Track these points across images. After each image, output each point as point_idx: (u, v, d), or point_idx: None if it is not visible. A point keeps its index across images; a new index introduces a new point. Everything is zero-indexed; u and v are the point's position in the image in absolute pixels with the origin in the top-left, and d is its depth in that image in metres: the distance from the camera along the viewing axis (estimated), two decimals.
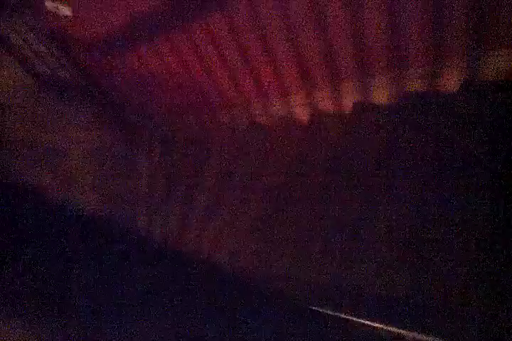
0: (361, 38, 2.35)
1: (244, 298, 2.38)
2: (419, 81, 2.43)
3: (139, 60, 3.17)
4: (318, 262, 2.35)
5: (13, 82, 3.62)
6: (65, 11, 3.15)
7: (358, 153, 2.67)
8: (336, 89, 2.68)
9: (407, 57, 2.35)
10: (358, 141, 2.70)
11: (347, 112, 2.74)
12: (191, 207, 3.12)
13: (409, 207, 2.20)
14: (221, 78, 2.95)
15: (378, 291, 2.03)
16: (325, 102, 2.77)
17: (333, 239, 2.38)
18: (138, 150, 3.41)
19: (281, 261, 2.54)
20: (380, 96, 2.59)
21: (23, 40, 3.43)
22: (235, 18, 2.55)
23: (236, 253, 2.86)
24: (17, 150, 3.54)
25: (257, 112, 3.00)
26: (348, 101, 2.69)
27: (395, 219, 2.20)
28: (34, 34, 3.36)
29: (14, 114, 3.57)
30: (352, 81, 2.60)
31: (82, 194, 3.41)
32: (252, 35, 2.60)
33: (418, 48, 2.28)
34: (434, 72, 2.36)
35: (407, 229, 2.13)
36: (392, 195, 2.28)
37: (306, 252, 2.44)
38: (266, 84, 2.85)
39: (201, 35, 2.78)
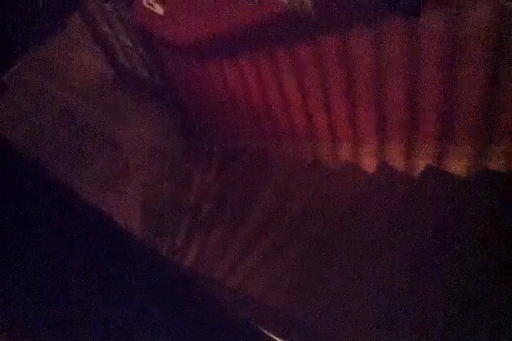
0: (455, 99, 2.15)
1: None
2: (503, 160, 2.23)
3: (218, 73, 3.09)
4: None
5: (94, 68, 3.63)
6: (159, 9, 3.11)
7: (415, 218, 2.52)
8: (411, 149, 2.51)
9: (495, 132, 2.17)
10: (418, 207, 2.54)
11: (415, 174, 2.57)
12: (233, 229, 3.05)
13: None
14: (294, 109, 2.83)
15: None
16: (396, 159, 2.61)
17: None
18: (196, 161, 3.35)
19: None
20: (456, 166, 2.41)
21: (112, 30, 3.41)
22: (323, 51, 2.43)
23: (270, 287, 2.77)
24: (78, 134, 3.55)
25: (324, 152, 2.87)
26: (420, 164, 2.52)
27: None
28: (123, 26, 3.33)
29: (85, 99, 3.58)
30: (430, 143, 2.43)
31: (127, 191, 3.41)
32: (337, 73, 2.47)
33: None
34: None
35: None
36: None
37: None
38: (339, 125, 2.71)
39: (285, 62, 2.67)
